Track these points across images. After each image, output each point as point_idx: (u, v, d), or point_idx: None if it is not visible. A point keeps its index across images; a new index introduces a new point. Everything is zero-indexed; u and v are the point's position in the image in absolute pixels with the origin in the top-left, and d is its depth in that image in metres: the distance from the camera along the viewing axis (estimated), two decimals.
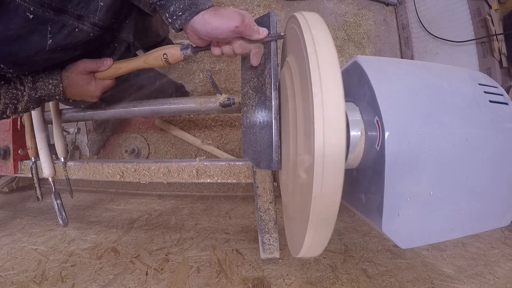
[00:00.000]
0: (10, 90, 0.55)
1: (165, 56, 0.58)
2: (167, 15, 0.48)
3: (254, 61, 0.52)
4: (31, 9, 0.43)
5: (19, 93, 0.56)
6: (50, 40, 0.49)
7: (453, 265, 0.68)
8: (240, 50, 0.51)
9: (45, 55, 0.51)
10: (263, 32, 0.49)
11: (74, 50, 0.56)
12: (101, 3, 0.52)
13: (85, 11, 0.51)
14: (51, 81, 0.58)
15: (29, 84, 0.56)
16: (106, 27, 0.57)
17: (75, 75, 0.59)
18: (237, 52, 0.52)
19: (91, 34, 0.54)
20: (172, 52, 0.57)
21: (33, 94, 0.57)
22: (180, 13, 0.47)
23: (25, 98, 0.56)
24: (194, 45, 0.55)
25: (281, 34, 0.51)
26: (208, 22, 0.47)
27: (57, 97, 0.60)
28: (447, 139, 0.40)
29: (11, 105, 0.56)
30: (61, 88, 0.59)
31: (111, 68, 0.62)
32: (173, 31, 0.55)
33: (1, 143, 0.88)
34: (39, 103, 0.60)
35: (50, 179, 0.84)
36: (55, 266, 0.71)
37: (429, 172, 0.39)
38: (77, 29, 0.51)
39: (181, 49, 0.57)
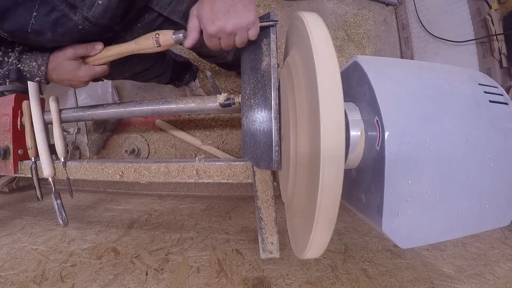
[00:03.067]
0: None
1: (156, 36, 0.56)
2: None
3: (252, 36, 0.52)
4: None
5: (6, 59, 0.54)
6: (33, 20, 0.46)
7: (453, 265, 0.68)
8: (240, 41, 0.51)
9: (27, 35, 0.48)
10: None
11: (61, 37, 0.53)
12: (99, 1, 0.49)
13: (79, 2, 0.48)
14: (37, 59, 0.56)
15: (15, 53, 0.55)
16: (101, 26, 0.54)
17: (63, 59, 0.57)
18: (238, 43, 0.51)
19: (79, 27, 0.51)
20: (165, 32, 0.56)
21: (15, 63, 0.55)
22: None
23: (8, 65, 0.55)
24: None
25: (274, 20, 0.52)
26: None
27: (38, 78, 0.58)
28: (447, 139, 0.40)
29: None
30: (43, 71, 0.56)
31: (101, 52, 0.59)
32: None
33: (1, 143, 0.88)
34: (20, 76, 0.57)
35: (50, 179, 0.84)
36: (55, 266, 0.71)
37: (429, 172, 0.39)
38: (66, 17, 0.48)
39: (173, 33, 0.56)
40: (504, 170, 0.43)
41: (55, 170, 0.84)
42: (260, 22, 0.51)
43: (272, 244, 0.67)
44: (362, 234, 0.84)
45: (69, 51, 0.57)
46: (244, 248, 0.77)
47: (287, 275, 0.65)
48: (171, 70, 1.06)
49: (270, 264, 0.69)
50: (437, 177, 0.39)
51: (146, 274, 0.67)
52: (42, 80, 0.59)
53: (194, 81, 1.29)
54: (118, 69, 0.76)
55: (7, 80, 0.57)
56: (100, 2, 0.49)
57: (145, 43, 0.58)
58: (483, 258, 0.71)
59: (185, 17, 0.64)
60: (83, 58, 0.60)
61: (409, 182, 0.38)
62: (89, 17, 0.50)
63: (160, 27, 0.66)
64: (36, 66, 0.56)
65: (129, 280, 0.65)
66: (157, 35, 0.57)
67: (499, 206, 0.45)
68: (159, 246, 0.80)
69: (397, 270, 0.66)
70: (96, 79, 0.68)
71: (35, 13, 0.46)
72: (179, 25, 0.66)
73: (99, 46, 0.59)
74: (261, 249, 0.67)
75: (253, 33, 0.50)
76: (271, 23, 0.52)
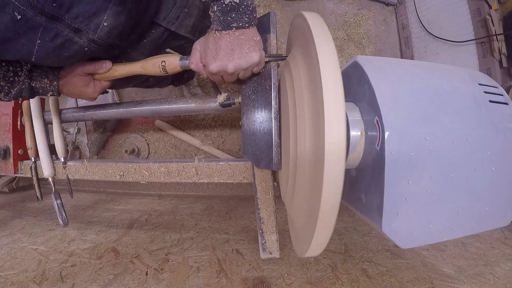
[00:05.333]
0: (8, 74, 0.53)
1: (163, 64, 0.57)
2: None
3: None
4: (20, 8, 0.40)
5: (16, 78, 0.54)
6: (37, 47, 0.45)
7: (453, 265, 0.68)
8: (243, 77, 0.52)
9: (31, 61, 0.48)
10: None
11: (67, 60, 0.53)
12: (104, 23, 0.48)
13: (84, 26, 0.47)
14: (48, 75, 0.56)
15: (25, 72, 0.54)
16: (107, 46, 0.53)
17: (73, 76, 0.58)
18: (241, 78, 0.52)
19: (85, 49, 0.50)
20: (171, 60, 0.57)
21: (27, 82, 0.55)
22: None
23: (19, 84, 0.54)
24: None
25: (282, 55, 0.51)
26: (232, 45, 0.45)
27: (51, 93, 0.58)
28: (447, 139, 0.40)
29: (6, 88, 0.54)
30: (56, 86, 0.57)
31: (109, 72, 0.60)
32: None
33: (1, 143, 0.88)
34: (33, 93, 0.58)
35: (50, 179, 0.84)
36: (55, 266, 0.71)
37: (429, 172, 0.39)
38: (71, 41, 0.48)
39: (180, 59, 0.57)
40: (504, 170, 0.43)
41: (55, 170, 0.84)
42: (266, 56, 0.50)
43: (272, 244, 0.67)
44: (362, 234, 0.84)
45: (79, 68, 0.57)
46: (244, 248, 0.77)
47: (287, 275, 0.65)
48: (171, 75, 1.06)
49: (270, 264, 0.69)
50: (437, 177, 0.39)
51: (146, 274, 0.67)
52: (55, 94, 0.59)
53: (192, 79, 1.29)
54: (123, 82, 0.76)
55: (20, 99, 0.57)
56: (105, 24, 0.48)
57: (152, 70, 0.59)
58: (483, 258, 0.71)
59: (193, 31, 0.65)
60: (92, 75, 0.60)
61: (409, 182, 0.38)
62: (95, 38, 0.50)
63: (166, 41, 0.66)
64: (48, 82, 0.57)
65: (129, 280, 0.65)
66: (163, 63, 0.57)
67: (499, 206, 0.45)
68: (159, 246, 0.80)
69: (397, 270, 0.66)
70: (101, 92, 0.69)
71: (38, 41, 0.45)
72: (187, 38, 0.66)
73: (107, 64, 0.59)
74: (261, 249, 0.67)
75: (257, 70, 0.50)
76: (278, 58, 0.51)
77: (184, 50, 0.80)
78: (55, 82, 0.57)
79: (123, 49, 0.61)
